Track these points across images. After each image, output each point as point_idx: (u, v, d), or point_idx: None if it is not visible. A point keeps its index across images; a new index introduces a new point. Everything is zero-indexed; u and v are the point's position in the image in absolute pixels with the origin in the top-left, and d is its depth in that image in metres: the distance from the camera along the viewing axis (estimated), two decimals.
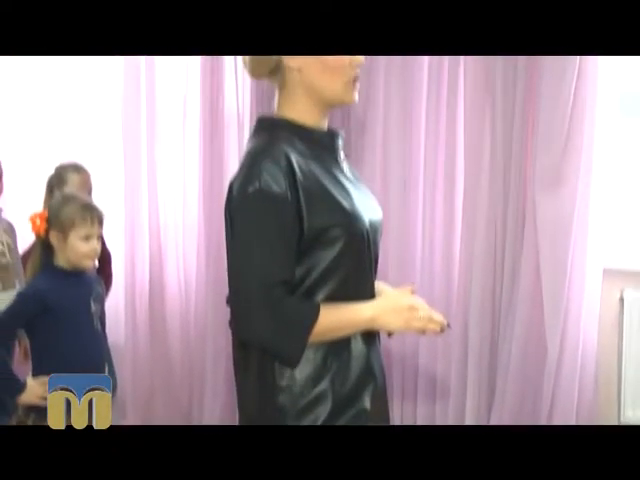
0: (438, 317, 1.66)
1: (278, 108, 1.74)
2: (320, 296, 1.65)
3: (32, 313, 2.60)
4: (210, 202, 3.59)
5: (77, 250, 2.61)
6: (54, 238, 2.61)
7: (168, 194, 3.74)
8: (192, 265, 3.76)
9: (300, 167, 1.64)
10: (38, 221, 2.62)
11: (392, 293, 1.73)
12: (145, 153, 3.68)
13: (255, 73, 1.76)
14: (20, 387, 2.54)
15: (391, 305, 1.67)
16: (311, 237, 1.64)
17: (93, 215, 2.66)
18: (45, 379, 2.28)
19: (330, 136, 1.76)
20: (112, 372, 2.78)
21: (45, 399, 2.29)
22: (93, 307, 2.72)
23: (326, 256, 1.65)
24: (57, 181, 3.28)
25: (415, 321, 1.65)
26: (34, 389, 2.52)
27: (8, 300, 2.98)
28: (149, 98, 3.62)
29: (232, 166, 3.53)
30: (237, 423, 1.98)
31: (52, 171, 3.34)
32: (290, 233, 1.62)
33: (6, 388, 2.64)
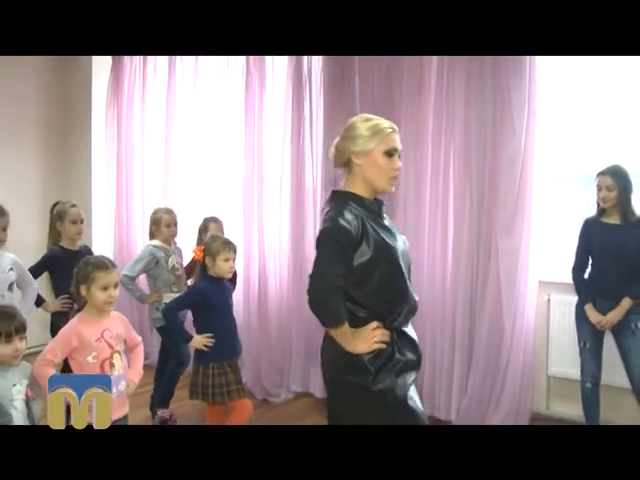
0: (385, 332, 2.36)
1: (345, 185, 2.46)
2: (368, 285, 2.30)
3: (197, 302, 3.70)
4: (295, 239, 5.04)
5: (221, 267, 3.66)
6: (208, 261, 3.68)
7: (270, 234, 5.15)
8: (284, 275, 5.12)
9: (361, 218, 2.33)
10: (199, 252, 3.77)
11: (362, 329, 2.35)
12: (257, 212, 5.18)
13: (336, 165, 2.52)
14: (189, 338, 3.73)
15: (361, 335, 2.35)
16: (364, 257, 2.30)
17: (230, 247, 3.71)
18: (204, 335, 3.57)
19: (377, 203, 2.46)
20: (238, 341, 3.86)
21: (205, 346, 3.57)
22: (230, 301, 3.80)
23: (372, 270, 2.32)
24: (203, 227, 4.66)
25: (374, 340, 2.34)
26: (197, 340, 3.66)
27: None
28: (259, 177, 5.16)
29: (309, 218, 5.01)
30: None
31: (200, 221, 4.75)
32: (347, 251, 2.29)
33: (183, 338, 3.80)
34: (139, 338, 3.19)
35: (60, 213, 4.25)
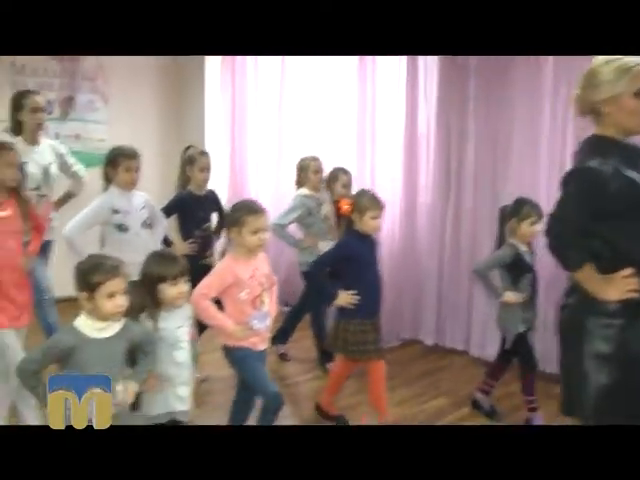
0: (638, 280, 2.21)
1: (597, 131, 2.34)
2: (619, 229, 2.20)
3: (343, 257, 3.60)
4: (408, 186, 5.09)
5: (369, 224, 3.54)
6: (355, 216, 3.56)
7: (382, 181, 5.16)
8: (396, 220, 5.15)
9: (615, 163, 2.21)
10: (346, 205, 3.61)
11: (615, 275, 2.23)
12: (369, 158, 5.27)
13: (581, 115, 2.40)
14: (335, 295, 3.59)
15: (613, 281, 2.23)
16: (617, 201, 2.18)
17: (379, 205, 3.57)
18: (349, 292, 3.47)
19: (631, 148, 2.32)
20: (381, 298, 3.69)
21: (348, 303, 3.50)
22: (375, 257, 3.70)
23: (625, 213, 2.20)
24: (333, 177, 4.61)
25: (628, 288, 2.21)
26: (342, 297, 3.54)
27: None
28: (372, 124, 5.21)
29: (422, 164, 5.05)
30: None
31: (328, 172, 4.65)
32: (595, 194, 2.18)
33: (329, 295, 3.65)
34: (275, 277, 3.32)
35: (190, 158, 4.33)
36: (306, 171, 4.60)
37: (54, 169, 4.33)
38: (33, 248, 3.48)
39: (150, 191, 4.02)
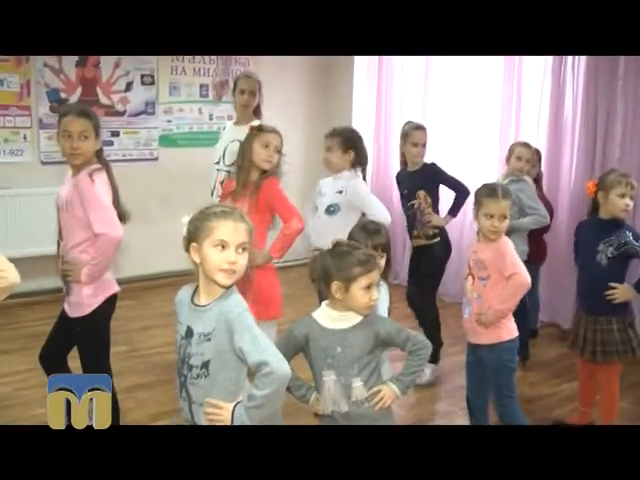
0: None
1: None
2: None
3: (576, 241, 3.45)
4: (551, 176, 5.08)
5: (615, 204, 3.14)
6: (600, 196, 3.17)
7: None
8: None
9: None
10: (592, 186, 3.28)
11: None
12: (513, 139, 5.09)
13: None
14: None
15: None
16: None
17: (628, 182, 3.16)
18: None
19: None
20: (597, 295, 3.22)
21: None
22: (600, 246, 3.20)
23: None
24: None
25: None
26: None
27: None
28: (517, 111, 5.25)
29: (566, 154, 5.02)
30: None
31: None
32: None
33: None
34: (513, 270, 2.90)
35: (405, 134, 4.15)
36: (510, 154, 4.30)
37: (232, 148, 4.07)
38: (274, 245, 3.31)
39: (295, 174, 3.91)
